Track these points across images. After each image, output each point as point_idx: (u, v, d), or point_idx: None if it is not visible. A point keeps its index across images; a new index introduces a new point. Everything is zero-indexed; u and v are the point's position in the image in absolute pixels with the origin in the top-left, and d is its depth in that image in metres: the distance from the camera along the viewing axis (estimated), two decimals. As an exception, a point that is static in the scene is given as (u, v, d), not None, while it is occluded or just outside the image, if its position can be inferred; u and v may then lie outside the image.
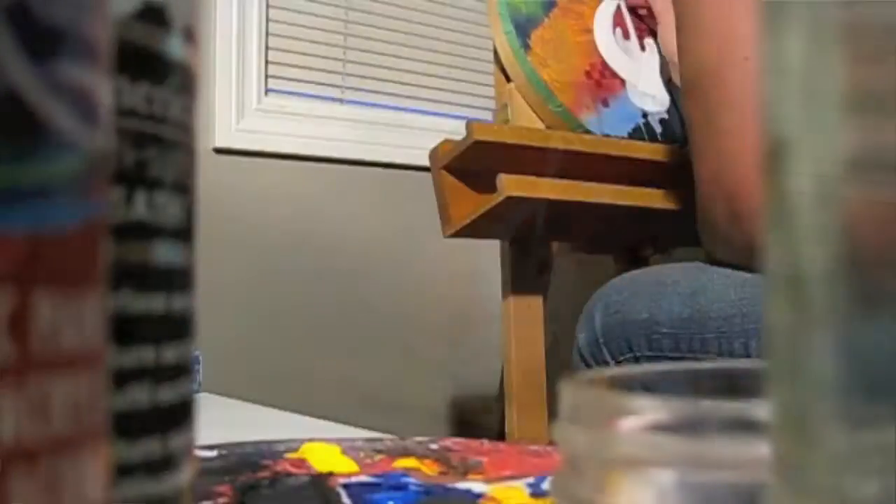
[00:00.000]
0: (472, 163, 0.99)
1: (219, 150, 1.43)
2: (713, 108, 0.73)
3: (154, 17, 0.14)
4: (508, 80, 1.07)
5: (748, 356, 0.69)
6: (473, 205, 1.00)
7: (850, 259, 0.11)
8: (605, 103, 1.10)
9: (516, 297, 1.06)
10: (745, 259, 0.72)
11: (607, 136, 1.07)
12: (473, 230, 1.03)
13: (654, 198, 1.03)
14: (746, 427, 0.18)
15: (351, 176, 1.55)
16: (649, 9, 1.11)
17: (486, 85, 1.55)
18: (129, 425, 0.14)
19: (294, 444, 0.42)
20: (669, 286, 0.77)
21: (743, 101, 0.70)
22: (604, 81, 1.11)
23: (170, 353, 0.14)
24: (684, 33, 0.79)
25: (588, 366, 0.82)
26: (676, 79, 0.90)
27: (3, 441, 0.09)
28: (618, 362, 0.79)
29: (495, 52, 1.09)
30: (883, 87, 0.10)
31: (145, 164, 0.14)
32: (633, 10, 1.15)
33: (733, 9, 0.72)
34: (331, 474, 0.38)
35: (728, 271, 0.75)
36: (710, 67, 0.74)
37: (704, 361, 0.68)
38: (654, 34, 1.15)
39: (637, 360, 0.77)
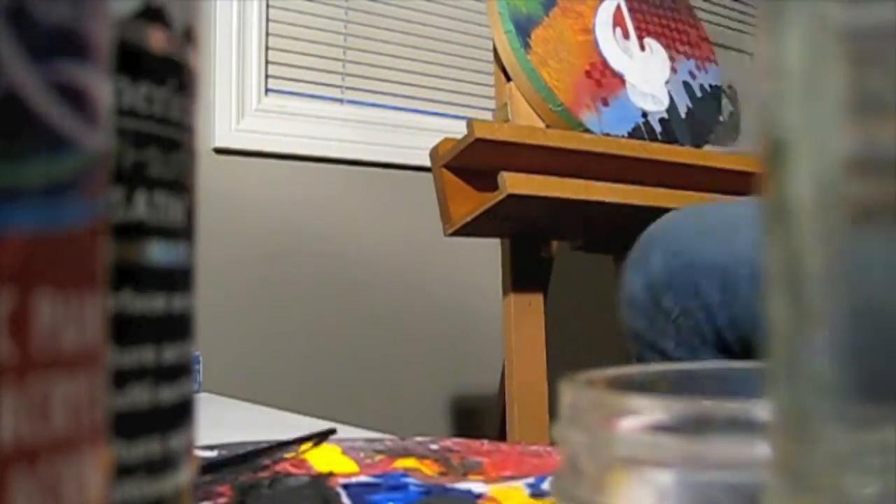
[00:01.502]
0: (472, 161, 0.99)
1: (219, 150, 1.43)
2: None
3: (154, 17, 0.14)
4: (508, 79, 1.07)
5: None
6: (474, 203, 1.00)
7: (849, 259, 0.11)
8: (605, 103, 1.10)
9: (517, 296, 1.06)
10: None
11: (607, 135, 1.07)
12: (474, 228, 1.03)
13: (654, 197, 1.04)
14: (746, 427, 0.18)
15: (351, 176, 1.55)
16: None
17: (486, 85, 1.55)
18: (129, 425, 0.14)
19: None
20: (744, 225, 0.66)
21: None
22: (604, 81, 1.11)
23: (170, 353, 0.14)
24: None
25: (645, 313, 0.71)
26: None
27: (3, 441, 0.09)
28: (683, 308, 0.68)
29: (495, 52, 1.09)
30: (882, 87, 0.10)
31: (145, 164, 0.14)
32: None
33: None
34: (331, 474, 0.38)
35: None
36: None
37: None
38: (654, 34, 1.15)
39: (707, 306, 0.67)
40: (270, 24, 1.52)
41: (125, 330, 0.14)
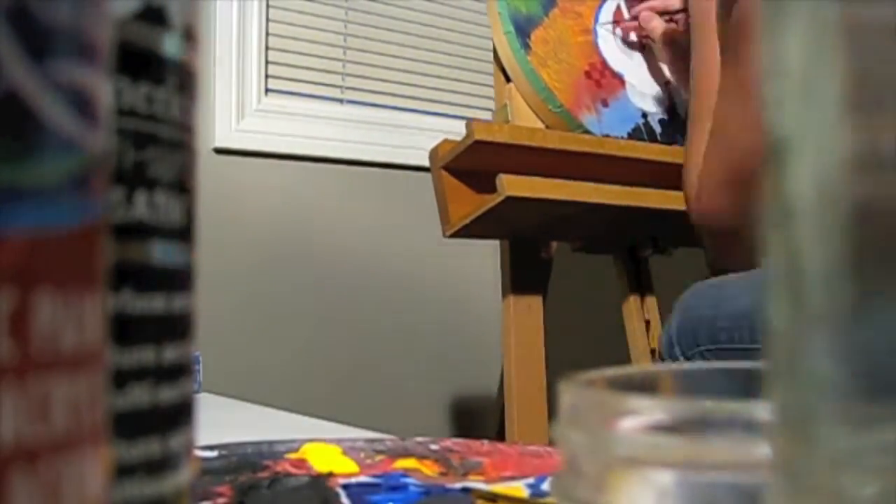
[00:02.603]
0: (471, 163, 0.99)
1: (219, 150, 1.43)
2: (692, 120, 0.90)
3: (154, 17, 0.14)
4: (508, 80, 1.07)
5: None
6: (473, 204, 1.00)
7: (850, 259, 0.11)
8: (605, 103, 1.10)
9: (516, 297, 1.06)
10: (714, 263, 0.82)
11: (607, 136, 1.07)
12: (473, 230, 1.03)
13: (653, 198, 1.04)
14: (746, 427, 0.18)
15: (350, 176, 1.55)
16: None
17: (486, 85, 1.55)
18: (129, 425, 0.14)
19: (294, 444, 0.42)
20: (729, 287, 0.85)
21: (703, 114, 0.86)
22: (603, 82, 1.11)
23: (170, 353, 0.14)
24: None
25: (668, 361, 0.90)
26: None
27: (3, 441, 0.09)
28: (687, 357, 0.86)
29: (495, 53, 1.09)
30: (882, 86, 0.10)
31: (145, 164, 0.14)
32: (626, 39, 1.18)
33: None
34: (331, 474, 0.38)
35: None
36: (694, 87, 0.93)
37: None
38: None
39: (702, 354, 0.85)
40: (270, 24, 1.52)
41: (125, 330, 0.14)
